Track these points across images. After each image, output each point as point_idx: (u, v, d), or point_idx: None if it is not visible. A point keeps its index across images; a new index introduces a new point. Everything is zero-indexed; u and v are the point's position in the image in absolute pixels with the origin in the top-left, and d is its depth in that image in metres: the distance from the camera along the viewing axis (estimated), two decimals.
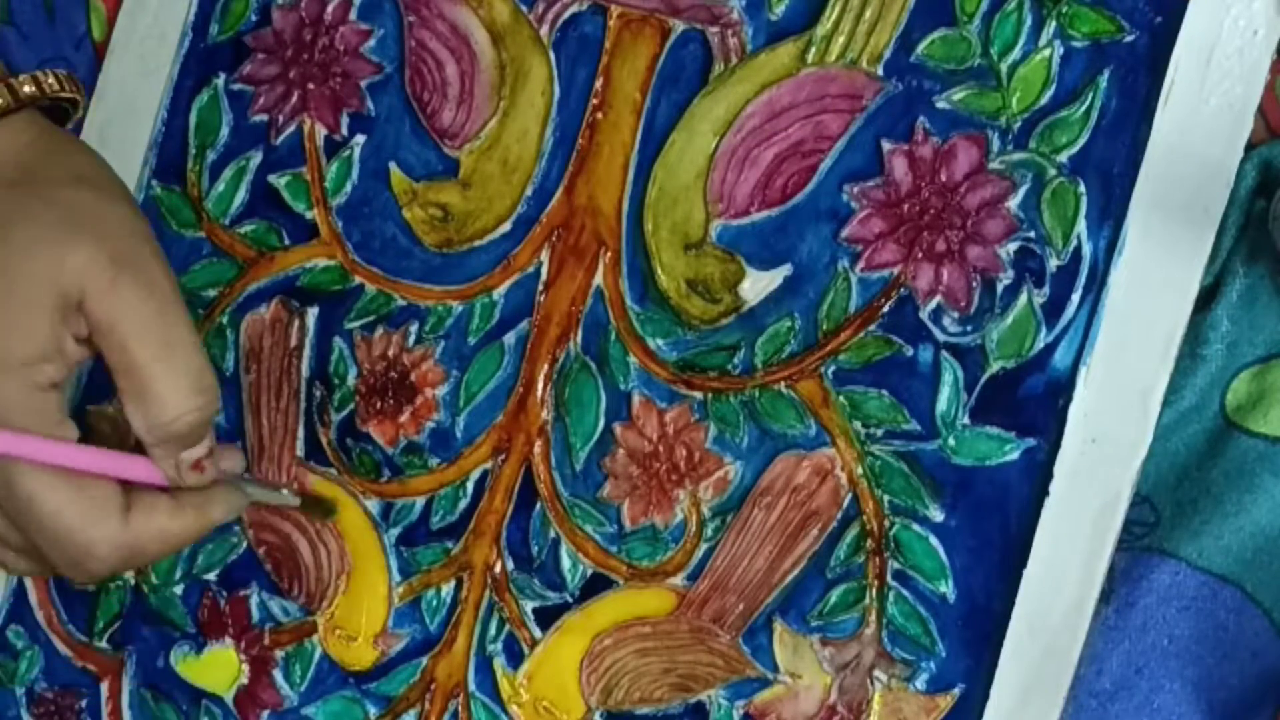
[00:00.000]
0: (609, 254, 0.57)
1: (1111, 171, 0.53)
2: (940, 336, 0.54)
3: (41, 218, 0.50)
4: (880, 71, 0.55)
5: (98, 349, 0.50)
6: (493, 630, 0.58)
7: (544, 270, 0.57)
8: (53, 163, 0.52)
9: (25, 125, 0.53)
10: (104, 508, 0.51)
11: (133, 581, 0.61)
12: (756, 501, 0.55)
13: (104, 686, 0.61)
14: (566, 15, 0.58)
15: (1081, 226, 0.53)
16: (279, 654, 0.60)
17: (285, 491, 0.58)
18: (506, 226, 0.58)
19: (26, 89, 0.53)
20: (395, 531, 0.59)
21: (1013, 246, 0.54)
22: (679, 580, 0.56)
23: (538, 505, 0.57)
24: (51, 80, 0.53)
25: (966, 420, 0.54)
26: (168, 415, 0.50)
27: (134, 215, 0.52)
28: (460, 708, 0.58)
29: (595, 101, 0.57)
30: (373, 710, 0.59)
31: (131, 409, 0.50)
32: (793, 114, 0.55)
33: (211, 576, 0.60)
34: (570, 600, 0.57)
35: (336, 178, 0.60)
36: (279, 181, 0.60)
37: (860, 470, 0.55)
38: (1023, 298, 0.53)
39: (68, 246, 0.49)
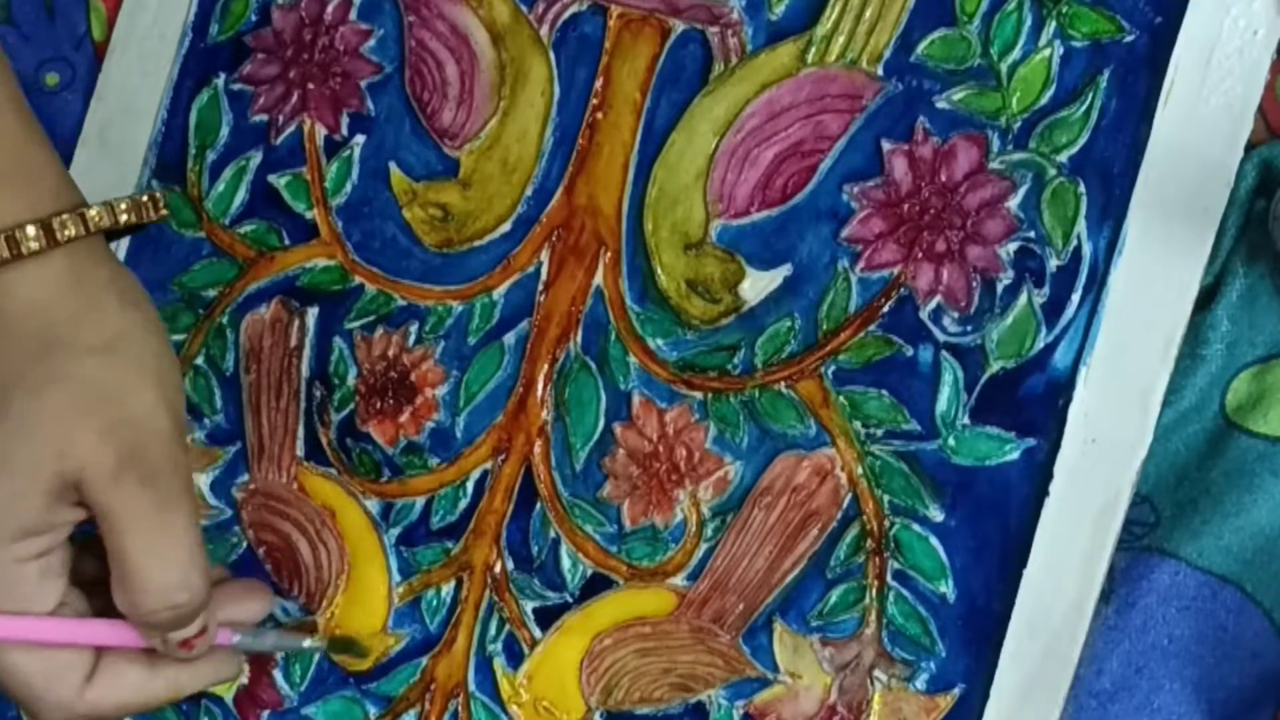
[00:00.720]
0: (609, 254, 0.57)
1: (1111, 171, 0.53)
2: (940, 336, 0.54)
3: (54, 396, 0.48)
4: (880, 71, 0.55)
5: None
6: (493, 630, 0.58)
7: (544, 270, 0.57)
8: (84, 326, 0.49)
9: (64, 270, 0.50)
10: (63, 677, 0.51)
11: None
12: (756, 501, 0.55)
13: None
14: (566, 15, 0.58)
15: (1081, 226, 0.53)
16: (279, 654, 0.60)
17: (309, 640, 0.57)
18: (506, 226, 0.58)
19: (68, 231, 0.49)
20: (395, 531, 0.59)
21: (1013, 246, 0.54)
22: (679, 580, 0.56)
23: (538, 505, 0.57)
24: (108, 216, 0.50)
25: (966, 420, 0.54)
26: (149, 606, 0.50)
27: (155, 396, 0.50)
28: (460, 708, 0.58)
29: (595, 101, 0.57)
30: (373, 710, 0.59)
31: (118, 594, 0.50)
32: (793, 114, 0.55)
33: None
34: (570, 600, 0.57)
35: (336, 178, 0.60)
36: (279, 181, 0.60)
37: (860, 470, 0.55)
38: (1023, 298, 0.53)
39: (74, 434, 0.48)
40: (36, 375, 0.48)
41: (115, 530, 0.49)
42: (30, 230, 0.48)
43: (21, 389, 0.48)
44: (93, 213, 0.50)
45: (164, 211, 0.53)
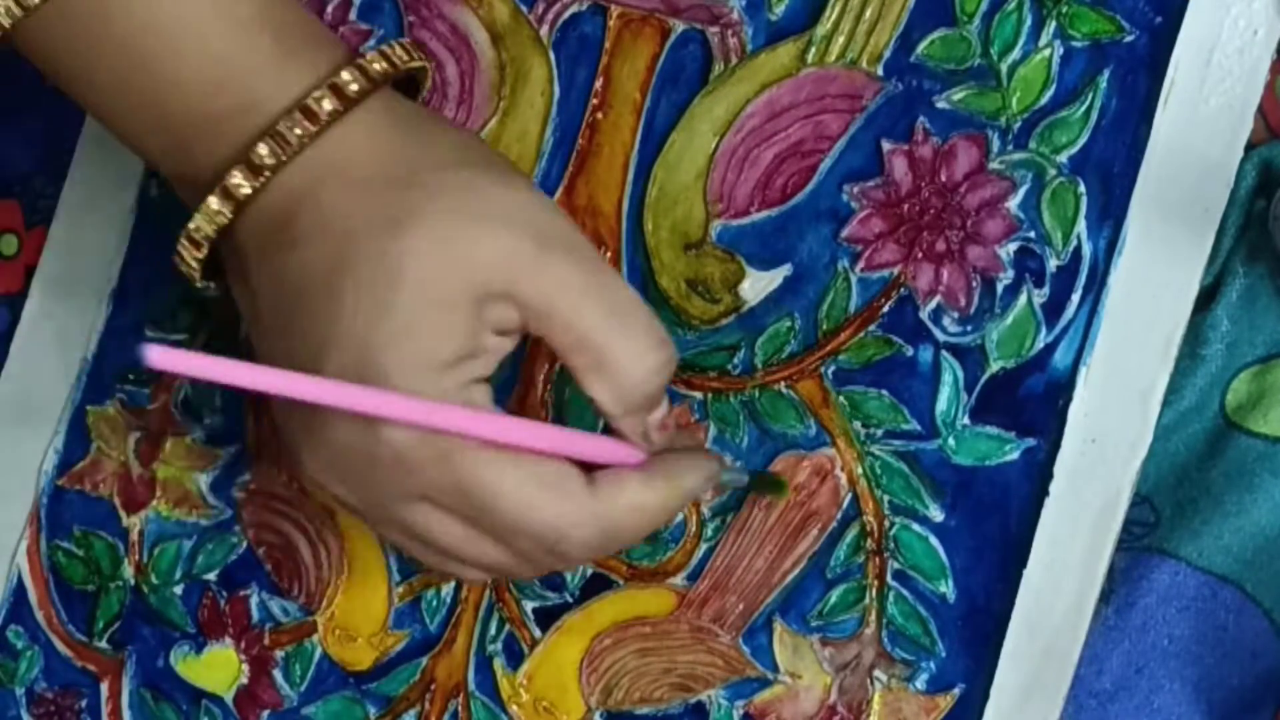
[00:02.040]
0: (609, 254, 0.57)
1: (1111, 171, 0.53)
2: (940, 336, 0.54)
3: (440, 212, 0.46)
4: (880, 71, 0.55)
5: (528, 334, 0.47)
6: (493, 630, 0.58)
7: None
8: (432, 147, 0.48)
9: (385, 109, 0.48)
10: (566, 483, 0.47)
11: (133, 581, 0.61)
12: (756, 501, 0.55)
13: (104, 686, 0.61)
14: (566, 15, 0.58)
15: (1081, 226, 0.53)
16: (279, 654, 0.60)
17: (735, 465, 0.54)
18: None
19: (376, 66, 0.48)
20: None
21: (1013, 246, 0.54)
22: (679, 580, 0.56)
23: None
24: (400, 52, 0.49)
25: (966, 420, 0.54)
26: (636, 378, 0.47)
27: (529, 186, 0.48)
28: (460, 708, 0.58)
29: (595, 101, 0.57)
30: (373, 710, 0.59)
31: (594, 384, 0.47)
32: (793, 114, 0.55)
33: (211, 576, 0.60)
34: (570, 600, 0.57)
35: None
36: None
37: (860, 470, 0.55)
38: (1023, 298, 0.53)
39: (478, 238, 0.46)
40: (412, 202, 0.46)
41: (568, 323, 0.46)
42: (345, 75, 0.47)
43: (403, 222, 0.46)
44: (391, 52, 0.48)
45: (432, 63, 0.52)
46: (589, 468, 0.48)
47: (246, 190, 0.47)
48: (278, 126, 0.46)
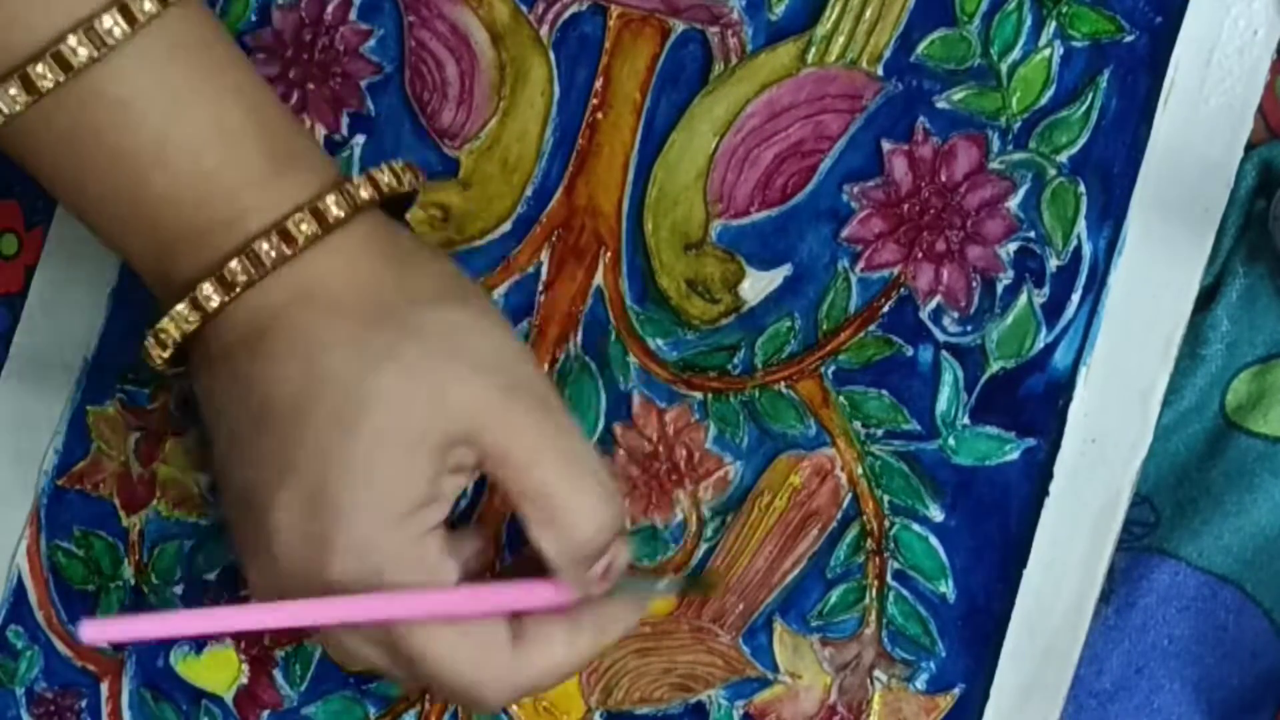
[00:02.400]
0: (609, 254, 0.57)
1: (1111, 171, 0.53)
2: (940, 336, 0.54)
3: (412, 355, 0.46)
4: (880, 71, 0.55)
5: (483, 476, 0.48)
6: None
7: (544, 270, 0.57)
8: (409, 279, 0.48)
9: (366, 235, 0.48)
10: (492, 649, 0.48)
11: (133, 581, 0.61)
12: (756, 501, 0.55)
13: (104, 686, 0.61)
14: (566, 15, 0.58)
15: (1081, 226, 0.53)
16: (279, 654, 0.60)
17: (663, 583, 0.55)
18: (506, 226, 0.58)
19: (363, 193, 0.48)
20: None
21: (1013, 246, 0.54)
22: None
23: None
24: (389, 177, 0.49)
25: (966, 420, 0.54)
26: (584, 535, 0.48)
27: (503, 328, 0.49)
28: (460, 708, 0.58)
29: (595, 101, 0.57)
30: (373, 710, 0.59)
31: (543, 536, 0.47)
32: (793, 114, 0.55)
33: (211, 576, 0.60)
34: None
35: None
36: None
37: (860, 470, 0.55)
38: (1023, 298, 0.53)
39: (447, 381, 0.46)
40: (384, 341, 0.46)
41: (524, 472, 0.47)
42: (329, 199, 0.47)
43: (375, 359, 0.46)
44: (381, 177, 0.49)
45: (423, 179, 0.52)
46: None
47: (215, 303, 0.47)
48: (253, 245, 0.46)
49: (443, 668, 0.48)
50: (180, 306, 0.47)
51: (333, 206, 0.47)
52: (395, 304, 0.47)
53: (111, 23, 0.45)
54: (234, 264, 0.46)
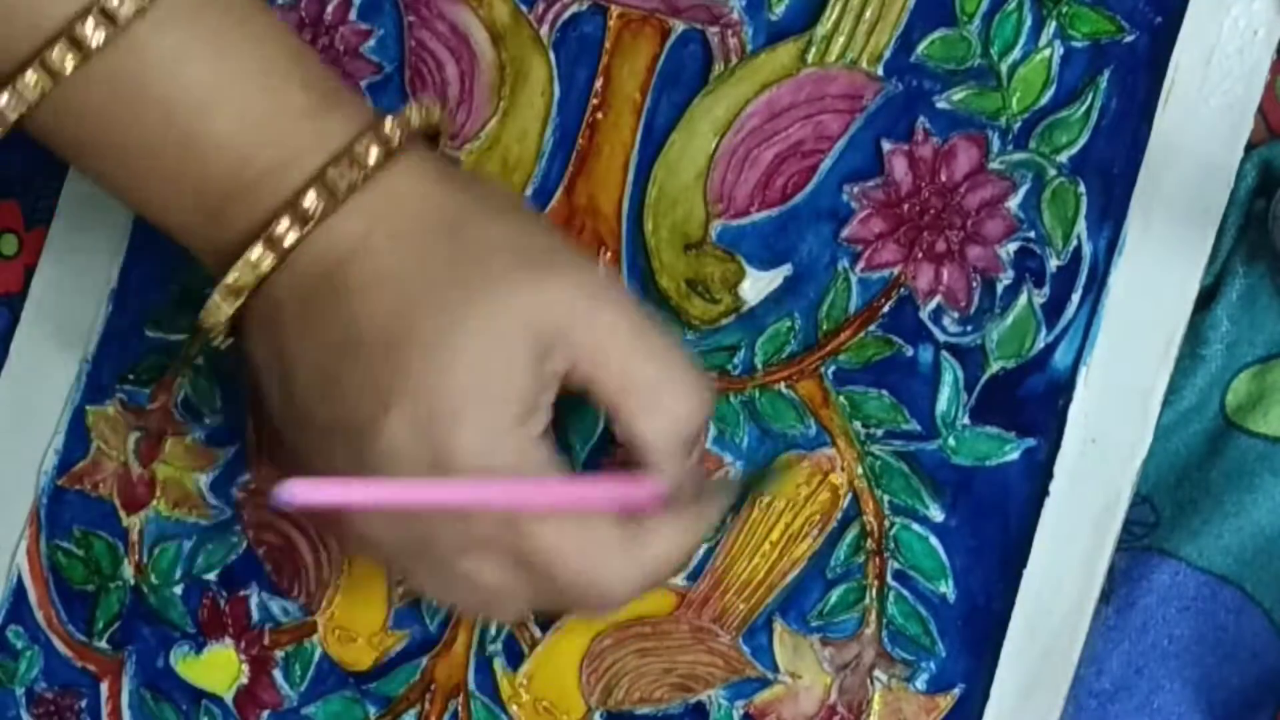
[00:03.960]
0: (609, 254, 0.57)
1: (1111, 171, 0.53)
2: (940, 336, 0.54)
3: (498, 268, 0.46)
4: (880, 71, 0.55)
5: (571, 381, 0.48)
6: (493, 630, 0.58)
7: None
8: (474, 195, 0.48)
9: (422, 159, 0.48)
10: (610, 547, 0.48)
11: (133, 581, 0.61)
12: (756, 502, 0.55)
13: (104, 686, 0.61)
14: (566, 15, 0.58)
15: (1081, 226, 0.53)
16: (279, 654, 0.60)
17: (732, 472, 0.55)
18: None
19: (414, 117, 0.48)
20: None
21: (1013, 246, 0.54)
22: (679, 580, 0.56)
23: None
24: (430, 105, 0.49)
25: (966, 420, 0.54)
26: (682, 416, 0.48)
27: (563, 238, 0.49)
28: (460, 708, 0.58)
29: (595, 101, 0.57)
30: (373, 710, 0.59)
31: (645, 422, 0.47)
32: (793, 114, 0.55)
33: (211, 576, 0.60)
34: None
35: None
36: None
37: (860, 470, 0.55)
38: (1023, 298, 0.53)
39: (534, 288, 0.46)
40: (467, 254, 0.47)
41: (619, 368, 0.47)
42: (387, 125, 0.47)
43: (464, 276, 0.46)
44: (418, 108, 0.49)
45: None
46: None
47: (293, 238, 0.46)
48: (326, 175, 0.46)
49: (578, 568, 0.47)
50: (254, 248, 0.47)
51: (391, 131, 0.47)
52: (470, 218, 0.47)
53: None
54: (309, 195, 0.46)
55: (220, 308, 0.48)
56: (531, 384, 0.46)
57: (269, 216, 0.47)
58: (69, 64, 0.46)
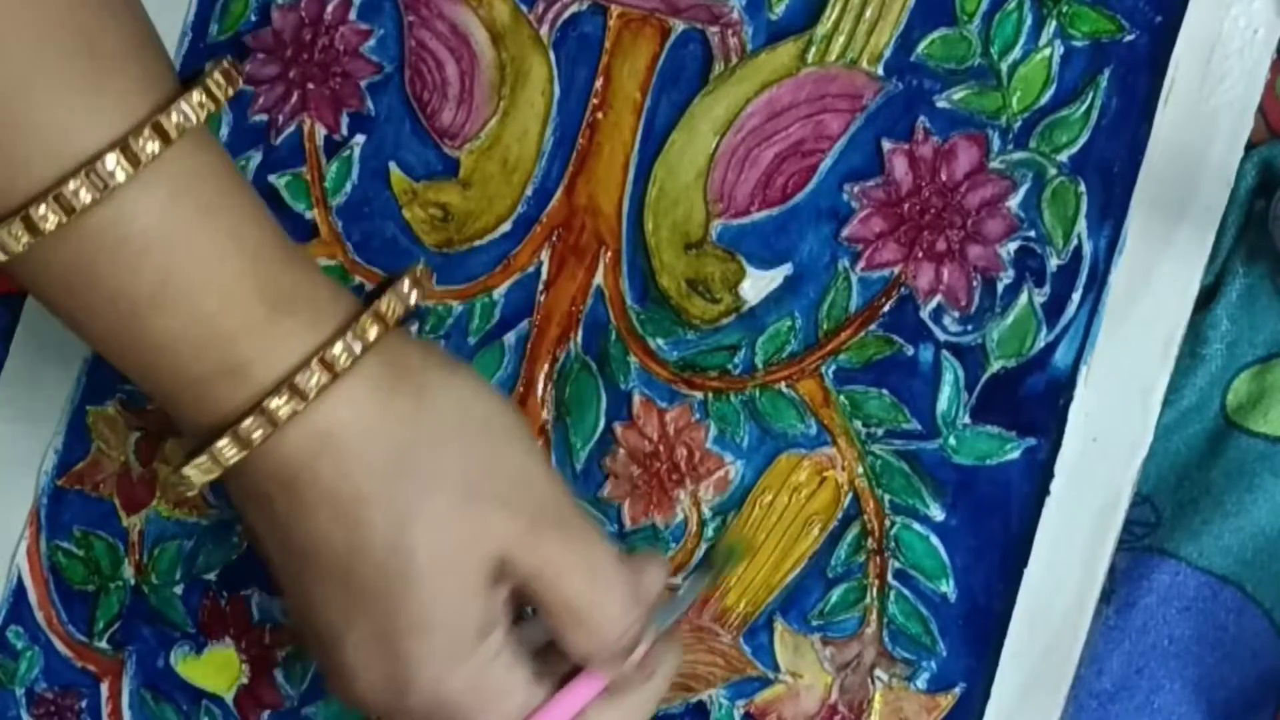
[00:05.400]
0: (609, 254, 0.57)
1: (1112, 171, 0.53)
2: (941, 336, 0.54)
3: (441, 505, 0.47)
4: (880, 71, 0.55)
5: (523, 597, 0.49)
6: None
7: (544, 270, 0.57)
8: (425, 414, 0.48)
9: (378, 376, 0.48)
10: None
11: (133, 581, 0.61)
12: (757, 501, 0.55)
13: (104, 686, 0.61)
14: (566, 15, 0.58)
15: (1082, 226, 0.53)
16: (279, 654, 0.60)
17: (683, 586, 0.55)
18: (506, 226, 0.58)
19: (371, 334, 0.48)
20: None
21: (1013, 246, 0.54)
22: (679, 580, 0.56)
23: None
24: (394, 305, 0.49)
25: (967, 419, 0.54)
26: (612, 638, 0.49)
27: (518, 449, 0.49)
28: None
29: (595, 101, 0.57)
30: None
31: (574, 638, 0.49)
32: (793, 114, 0.55)
33: (211, 576, 0.60)
34: None
35: (336, 178, 0.60)
36: (279, 181, 0.60)
37: (861, 470, 0.55)
38: (1023, 297, 0.53)
39: (478, 521, 0.48)
40: (413, 491, 0.47)
41: (555, 583, 0.48)
42: (337, 349, 0.47)
43: (408, 514, 0.47)
44: (389, 309, 0.48)
45: (432, 282, 0.53)
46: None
47: (235, 458, 0.47)
48: (264, 403, 0.46)
49: None
50: (201, 459, 0.47)
51: (341, 356, 0.47)
52: (415, 448, 0.48)
53: (114, 164, 0.45)
54: (248, 421, 0.46)
55: (175, 490, 0.50)
56: (484, 607, 0.48)
57: (218, 424, 0.47)
58: (20, 244, 0.45)
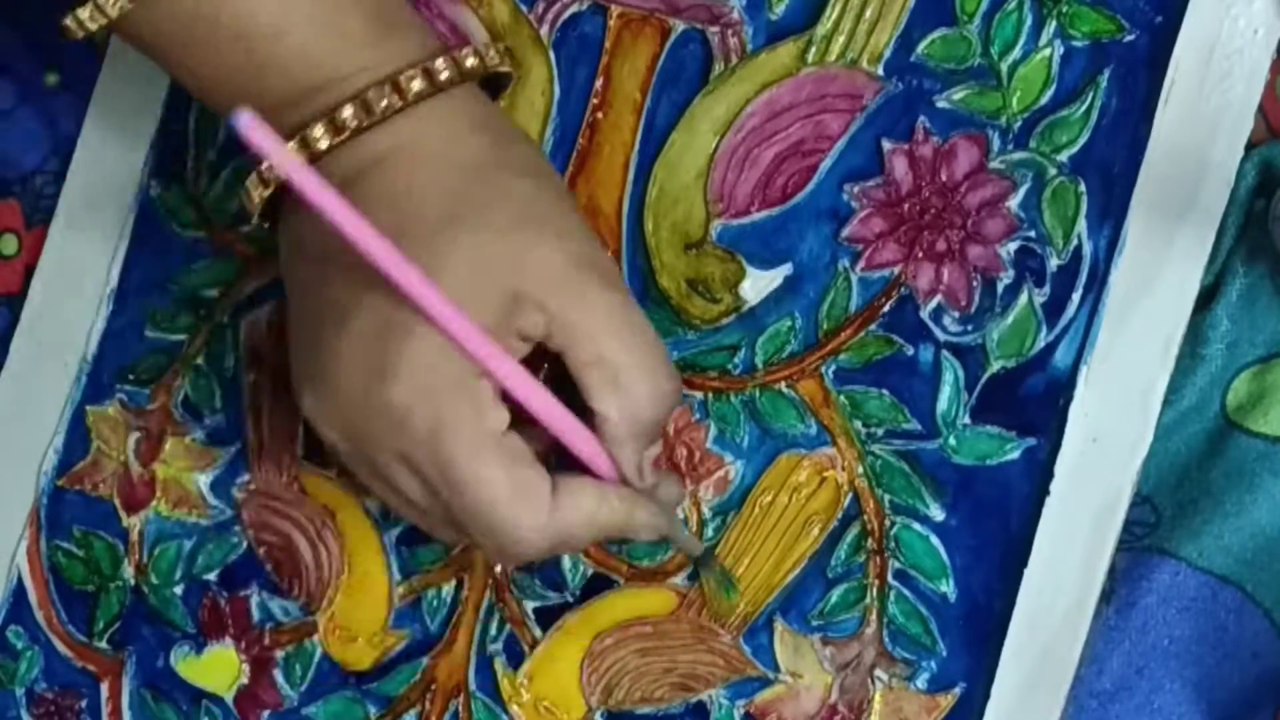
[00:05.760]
0: (609, 253, 0.57)
1: (1112, 171, 0.53)
2: (941, 336, 0.54)
3: (500, 212, 0.49)
4: (880, 71, 0.55)
5: (549, 346, 0.49)
6: (493, 630, 0.58)
7: None
8: (501, 149, 0.50)
9: (467, 100, 0.51)
10: (535, 493, 0.49)
11: (133, 581, 0.61)
12: (757, 501, 0.55)
13: (104, 687, 0.61)
14: (566, 15, 0.58)
15: (1082, 226, 0.53)
16: (279, 654, 0.60)
17: (690, 539, 0.55)
18: None
19: (469, 61, 0.50)
20: (395, 531, 0.59)
21: (1013, 246, 0.54)
22: (680, 580, 0.56)
23: None
24: (493, 55, 0.51)
25: (967, 420, 0.54)
26: (644, 401, 0.49)
27: (577, 211, 0.51)
28: (461, 708, 0.58)
29: (595, 101, 0.57)
30: (373, 710, 0.59)
31: (607, 399, 0.49)
32: (793, 114, 0.55)
33: (211, 576, 0.60)
34: (571, 600, 0.57)
35: None
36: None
37: (861, 470, 0.55)
38: (1023, 297, 0.53)
39: (529, 246, 0.48)
40: (474, 196, 0.49)
41: (592, 336, 0.49)
42: (439, 62, 0.49)
43: (463, 213, 0.49)
44: (485, 51, 0.51)
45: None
46: (562, 456, 0.50)
47: (323, 145, 0.49)
48: (366, 95, 0.49)
49: (486, 497, 0.48)
50: (291, 145, 0.49)
51: (442, 68, 0.49)
52: (488, 167, 0.50)
53: None
54: (347, 110, 0.49)
55: (252, 192, 0.51)
56: (491, 325, 0.48)
57: (309, 122, 0.49)
58: None
